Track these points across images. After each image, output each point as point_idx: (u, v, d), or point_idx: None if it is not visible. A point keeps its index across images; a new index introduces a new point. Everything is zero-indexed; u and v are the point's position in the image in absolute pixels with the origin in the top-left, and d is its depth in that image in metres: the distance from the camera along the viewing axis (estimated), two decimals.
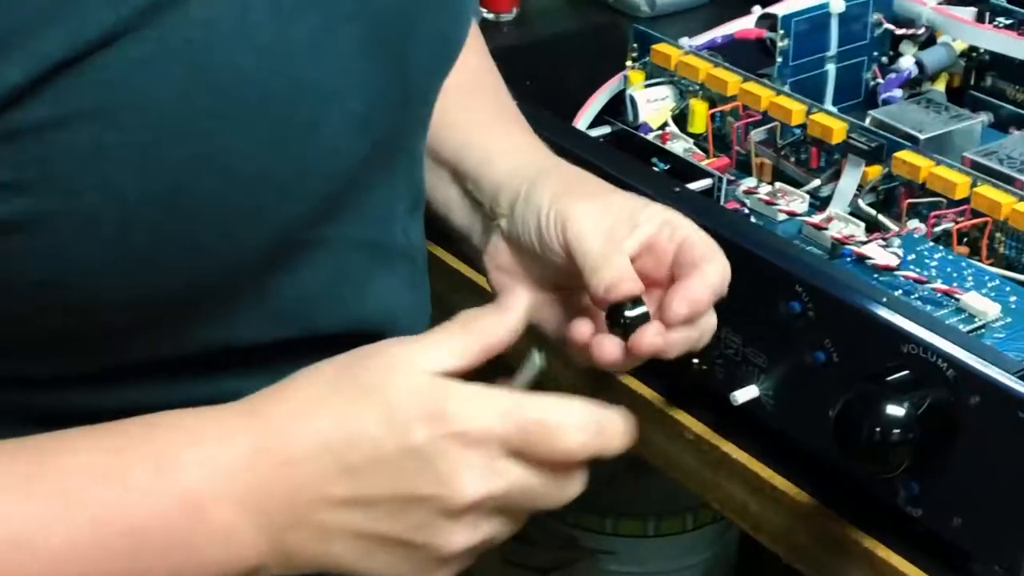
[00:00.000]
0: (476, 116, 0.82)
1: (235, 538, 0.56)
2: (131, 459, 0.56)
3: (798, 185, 0.97)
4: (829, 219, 0.91)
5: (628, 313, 0.70)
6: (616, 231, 0.72)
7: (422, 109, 0.70)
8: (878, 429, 0.72)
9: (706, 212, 0.85)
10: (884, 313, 0.76)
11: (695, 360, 0.86)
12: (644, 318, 0.70)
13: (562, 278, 0.76)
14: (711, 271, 0.71)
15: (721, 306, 0.73)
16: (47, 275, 0.55)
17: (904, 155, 0.91)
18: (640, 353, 0.70)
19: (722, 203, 0.90)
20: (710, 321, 0.73)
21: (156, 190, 0.55)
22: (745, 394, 0.83)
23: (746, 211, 0.90)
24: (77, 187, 0.53)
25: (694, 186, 0.90)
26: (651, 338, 0.69)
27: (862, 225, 0.91)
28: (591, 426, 0.60)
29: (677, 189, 0.88)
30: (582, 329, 0.72)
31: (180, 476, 0.56)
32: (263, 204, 0.59)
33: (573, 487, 0.61)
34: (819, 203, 0.96)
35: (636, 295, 0.70)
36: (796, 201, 0.94)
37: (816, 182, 0.96)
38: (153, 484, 0.56)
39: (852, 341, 0.78)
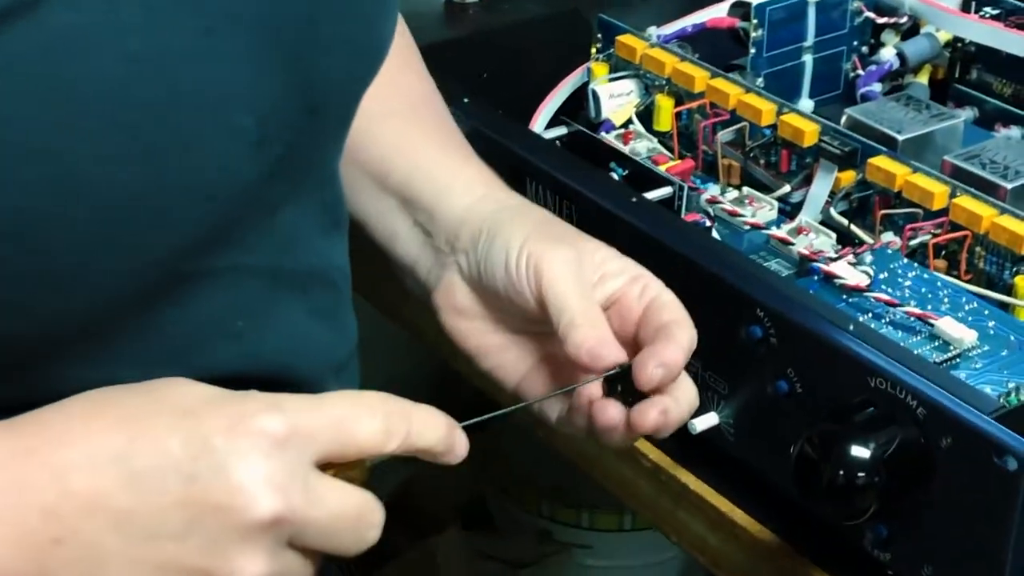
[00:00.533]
0: (426, 142, 0.77)
1: None
2: None
3: (767, 190, 0.91)
4: (799, 230, 0.85)
5: (625, 385, 0.66)
6: (588, 281, 0.68)
7: (335, 123, 0.64)
8: (841, 472, 0.66)
9: (664, 225, 0.79)
10: (850, 343, 0.70)
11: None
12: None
13: (526, 324, 0.72)
14: (683, 336, 0.67)
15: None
16: None
17: (879, 161, 0.86)
18: (642, 430, 0.66)
19: (683, 214, 0.84)
20: (689, 390, 0.68)
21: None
22: (704, 422, 0.78)
23: (707, 223, 0.84)
24: None
25: (653, 195, 0.84)
26: (656, 416, 0.66)
27: (833, 236, 0.86)
28: (393, 415, 0.54)
29: (634, 200, 0.82)
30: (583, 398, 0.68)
31: None
32: (132, 232, 0.53)
33: (372, 531, 0.54)
34: (789, 209, 0.90)
35: (623, 362, 0.66)
36: (764, 208, 0.88)
37: (786, 188, 0.90)
38: None
39: (816, 371, 0.72)
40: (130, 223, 0.52)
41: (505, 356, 0.73)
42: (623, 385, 0.66)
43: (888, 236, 0.84)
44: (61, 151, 0.49)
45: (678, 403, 0.67)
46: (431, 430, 0.55)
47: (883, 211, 0.85)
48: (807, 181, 0.90)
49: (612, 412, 0.66)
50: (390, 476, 1.63)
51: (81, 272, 0.53)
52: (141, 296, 0.56)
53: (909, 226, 0.83)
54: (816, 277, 0.79)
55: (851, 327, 0.71)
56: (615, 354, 0.66)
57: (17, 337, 0.53)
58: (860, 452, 0.66)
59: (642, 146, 0.95)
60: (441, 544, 1.63)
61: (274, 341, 0.63)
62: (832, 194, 0.88)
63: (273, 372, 0.62)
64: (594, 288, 0.69)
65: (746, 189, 0.90)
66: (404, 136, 0.76)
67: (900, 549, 0.69)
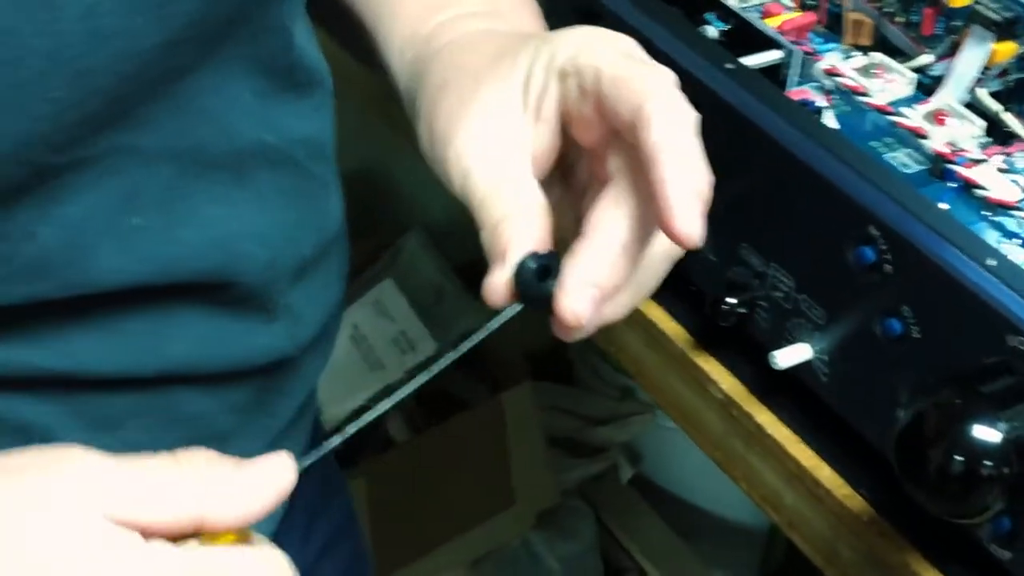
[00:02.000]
0: None
1: None
2: None
3: (904, 58, 0.73)
4: (937, 114, 0.68)
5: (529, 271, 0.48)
6: (507, 140, 0.50)
7: None
8: (958, 457, 0.51)
9: (761, 103, 0.63)
10: (987, 285, 0.54)
11: (729, 301, 0.65)
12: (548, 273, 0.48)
13: None
14: (619, 226, 0.48)
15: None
16: None
17: None
18: (565, 326, 0.47)
19: (790, 87, 0.67)
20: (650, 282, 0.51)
21: None
22: (792, 355, 0.62)
23: (820, 103, 0.67)
24: None
25: (755, 61, 0.67)
26: (572, 310, 0.47)
27: (980, 125, 0.68)
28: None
29: (730, 66, 0.65)
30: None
31: None
32: None
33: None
34: (929, 83, 0.73)
35: (537, 242, 0.49)
36: (897, 82, 0.71)
37: (927, 57, 0.72)
38: None
39: (940, 316, 0.56)
40: None
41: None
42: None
43: None
44: None
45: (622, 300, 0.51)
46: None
47: None
48: (954, 50, 0.72)
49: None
50: (459, 324, 1.50)
51: None
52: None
53: None
54: (952, 184, 0.62)
55: (990, 262, 0.55)
56: (530, 234, 0.48)
57: None
58: (987, 433, 0.51)
59: None
60: (511, 396, 1.50)
61: (191, 241, 0.48)
62: (984, 71, 0.70)
63: (192, 278, 0.48)
64: (524, 136, 0.51)
65: (876, 55, 0.73)
66: None
67: None
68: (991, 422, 0.51)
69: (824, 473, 0.62)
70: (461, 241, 1.43)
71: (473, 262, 1.55)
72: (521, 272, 0.48)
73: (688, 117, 0.48)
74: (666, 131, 0.46)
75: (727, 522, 1.60)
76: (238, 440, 0.56)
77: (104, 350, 0.49)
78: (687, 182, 0.46)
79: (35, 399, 0.48)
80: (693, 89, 0.64)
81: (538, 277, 0.48)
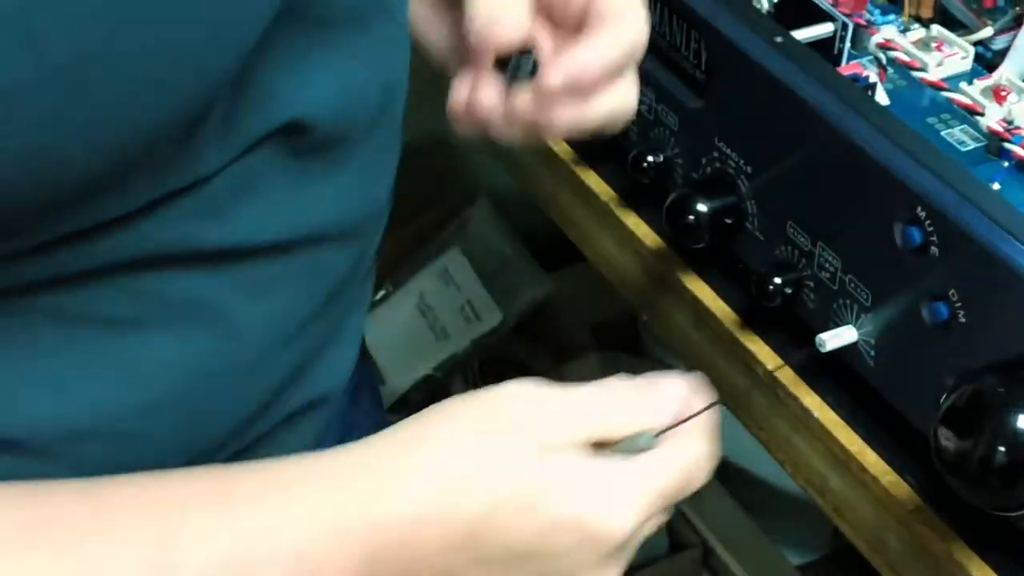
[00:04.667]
0: None
1: None
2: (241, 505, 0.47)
3: (964, 31, 0.71)
4: (996, 90, 0.66)
5: (513, 63, 0.56)
6: None
7: None
8: (1002, 449, 0.49)
9: (811, 79, 0.61)
10: None
11: (776, 281, 0.63)
12: (531, 69, 0.56)
13: None
14: (607, 36, 0.56)
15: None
16: None
17: None
18: (515, 112, 0.57)
19: (844, 62, 0.65)
20: (621, 95, 0.58)
21: (48, 77, 0.42)
22: (838, 337, 0.61)
23: (872, 78, 0.65)
24: None
25: (806, 34, 0.65)
26: (526, 101, 0.56)
27: None
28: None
29: (779, 39, 0.63)
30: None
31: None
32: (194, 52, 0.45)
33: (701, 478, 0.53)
34: (990, 57, 0.71)
35: (515, 43, 0.56)
36: (956, 56, 0.69)
37: (987, 30, 0.70)
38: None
39: (988, 301, 0.54)
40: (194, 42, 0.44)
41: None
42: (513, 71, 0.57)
43: None
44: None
45: (595, 107, 0.57)
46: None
47: None
48: (1017, 24, 0.70)
49: (487, 94, 0.57)
50: (524, 293, 1.49)
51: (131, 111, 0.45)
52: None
53: None
54: (1007, 163, 0.60)
55: None
56: (501, 31, 0.56)
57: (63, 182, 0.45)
58: None
59: None
60: (575, 366, 1.49)
61: (329, 93, 0.53)
62: None
63: (330, 132, 0.54)
64: None
65: (936, 28, 0.71)
66: None
67: None
68: None
69: (870, 458, 0.61)
70: (527, 210, 1.42)
71: (537, 231, 1.53)
72: (519, 65, 0.56)
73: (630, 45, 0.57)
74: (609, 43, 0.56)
75: (795, 498, 1.58)
76: (350, 290, 0.61)
77: (263, 220, 0.52)
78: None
79: (201, 273, 0.51)
80: (741, 62, 0.63)
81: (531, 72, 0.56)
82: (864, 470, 0.61)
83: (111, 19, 0.42)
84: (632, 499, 0.50)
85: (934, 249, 0.56)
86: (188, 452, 0.53)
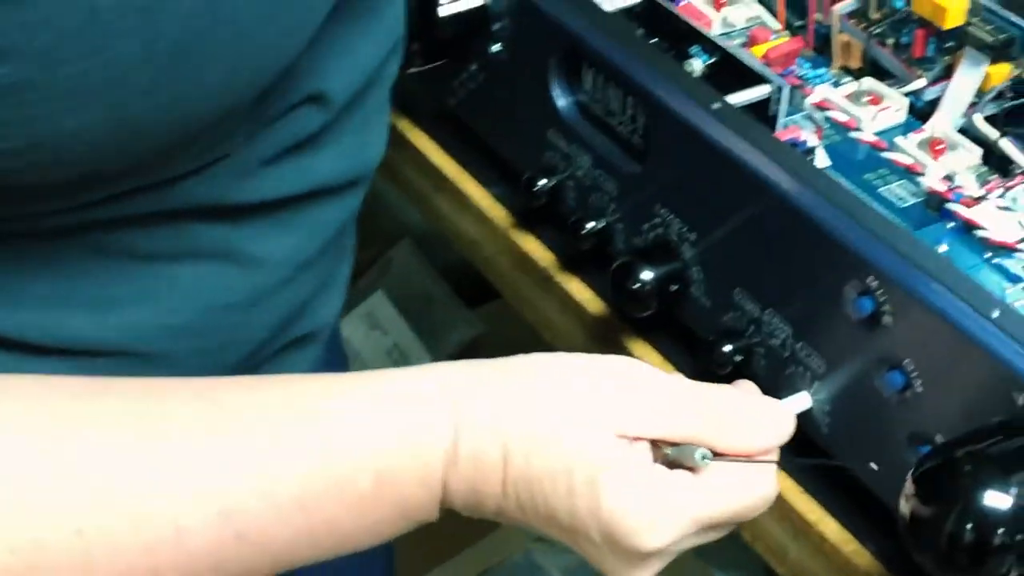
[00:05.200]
0: None
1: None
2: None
3: (896, 81, 0.71)
4: (932, 143, 0.66)
5: None
6: None
7: None
8: (969, 526, 0.49)
9: (750, 146, 0.60)
10: (991, 339, 0.52)
11: (725, 348, 0.63)
12: None
13: None
14: None
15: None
16: (28, 140, 0.48)
17: None
18: None
19: (780, 124, 0.64)
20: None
21: (157, 51, 0.47)
22: (793, 404, 0.60)
23: (811, 141, 0.64)
24: (67, 54, 0.46)
25: (742, 98, 0.65)
26: None
27: (977, 153, 0.66)
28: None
29: (717, 106, 0.63)
30: None
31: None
32: (268, 45, 0.51)
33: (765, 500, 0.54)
34: (922, 106, 0.71)
35: None
36: (890, 109, 0.69)
37: (920, 82, 0.70)
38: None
39: (944, 369, 0.54)
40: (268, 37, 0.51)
41: None
42: None
43: None
44: None
45: None
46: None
47: None
48: (948, 73, 0.70)
49: None
50: (451, 333, 1.48)
51: (222, 91, 0.51)
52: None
53: None
54: (950, 223, 0.60)
55: (994, 314, 0.52)
56: None
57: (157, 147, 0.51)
58: (998, 500, 0.48)
59: (739, 14, 0.76)
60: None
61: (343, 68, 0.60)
62: (979, 94, 0.68)
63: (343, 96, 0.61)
64: None
65: (867, 81, 0.71)
66: None
67: None
68: (1002, 487, 0.49)
69: (830, 527, 0.60)
70: (447, 247, 1.41)
71: (460, 267, 1.51)
72: None
73: None
74: None
75: None
76: (342, 237, 0.67)
77: (280, 179, 0.58)
78: None
79: (225, 221, 0.58)
80: (678, 128, 0.63)
81: None
82: (824, 539, 0.60)
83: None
84: (673, 520, 0.52)
85: (887, 318, 0.55)
86: (202, 374, 0.57)
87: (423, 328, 1.52)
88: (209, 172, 0.55)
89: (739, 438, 0.54)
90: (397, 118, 0.82)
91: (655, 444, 0.53)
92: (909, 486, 0.51)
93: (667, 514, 0.52)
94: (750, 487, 0.54)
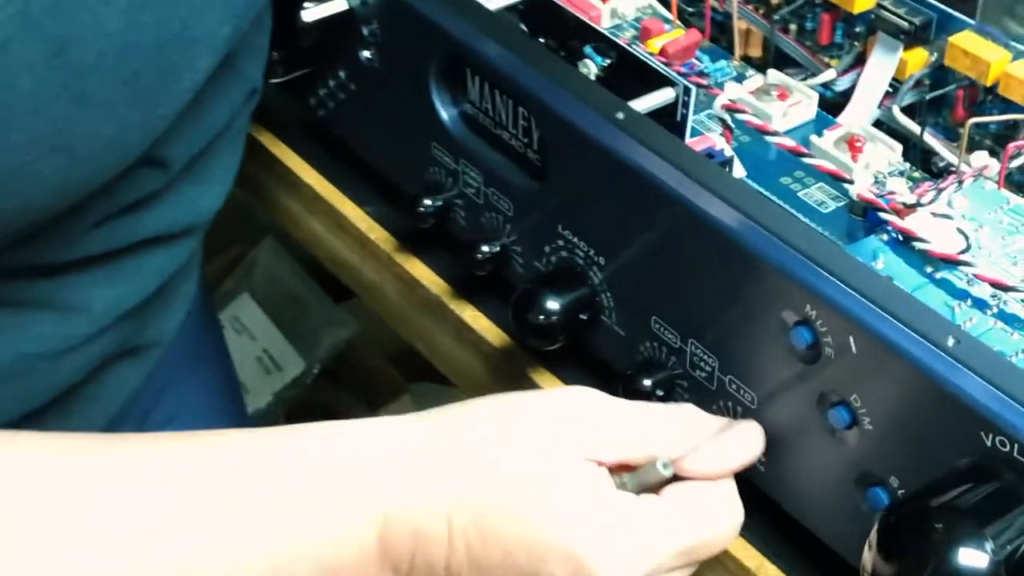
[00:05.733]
0: None
1: None
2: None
3: (799, 70, 0.66)
4: (851, 141, 0.61)
5: None
6: None
7: None
8: None
9: (661, 161, 0.54)
10: (949, 373, 0.47)
11: (644, 382, 0.57)
12: None
13: None
14: None
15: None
16: None
17: (963, 40, 0.60)
18: None
19: (687, 132, 0.58)
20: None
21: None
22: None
23: (727, 150, 0.59)
24: None
25: (645, 104, 0.58)
26: None
27: (897, 149, 0.61)
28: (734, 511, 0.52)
29: (620, 115, 0.56)
30: None
31: None
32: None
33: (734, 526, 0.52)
34: (832, 96, 0.66)
35: None
36: (800, 103, 0.64)
37: (829, 73, 0.65)
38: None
39: (896, 407, 0.49)
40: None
41: None
42: None
43: (980, 158, 0.59)
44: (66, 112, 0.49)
45: None
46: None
47: (971, 115, 0.60)
48: (859, 62, 0.65)
49: None
50: (326, 337, 1.41)
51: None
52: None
53: (1012, 144, 0.58)
54: (884, 237, 0.55)
55: (950, 342, 0.47)
56: None
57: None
58: (973, 559, 0.43)
59: (629, 5, 0.70)
60: (392, 411, 1.42)
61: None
62: (895, 82, 0.63)
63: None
64: None
65: (773, 74, 0.65)
66: None
67: None
68: (977, 544, 0.44)
69: (771, 574, 0.55)
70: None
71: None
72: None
73: None
74: None
75: None
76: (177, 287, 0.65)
77: (95, 236, 0.56)
78: None
79: (37, 280, 0.56)
80: (578, 141, 0.56)
81: None
82: None
83: (125, 29, 0.47)
84: (635, 550, 0.48)
85: (828, 350, 0.50)
86: (13, 412, 0.58)
87: (294, 331, 1.44)
88: (36, 238, 0.54)
89: (708, 454, 0.52)
90: (260, 132, 0.74)
91: (614, 473, 0.51)
92: (873, 540, 0.45)
93: (635, 540, 0.49)
94: (719, 509, 0.51)
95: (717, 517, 0.51)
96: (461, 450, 0.49)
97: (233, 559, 0.46)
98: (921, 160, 0.62)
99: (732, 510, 0.52)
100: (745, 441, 0.53)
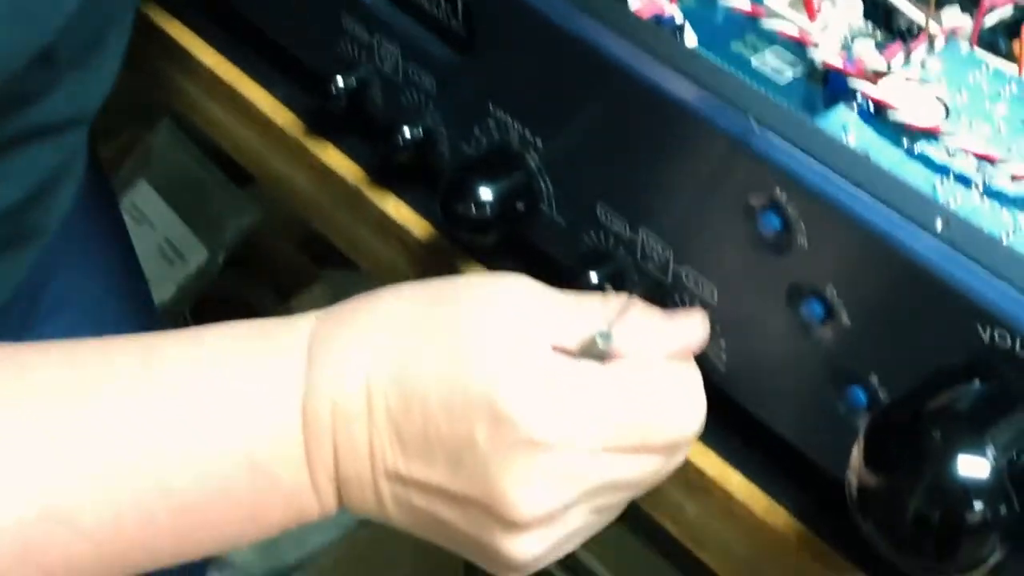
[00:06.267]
0: None
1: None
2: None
3: None
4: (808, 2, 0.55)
5: None
6: None
7: None
8: (941, 507, 0.39)
9: (605, 29, 0.48)
10: (940, 259, 0.42)
11: (591, 277, 0.51)
12: None
13: None
14: None
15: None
16: None
17: None
18: None
19: None
20: None
21: None
22: None
23: (677, 17, 0.52)
24: None
25: None
26: None
27: (858, 7, 0.56)
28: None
29: None
30: None
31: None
32: None
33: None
34: None
35: None
36: None
37: None
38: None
39: (878, 299, 0.44)
40: None
41: None
42: None
43: (952, 14, 0.53)
44: None
45: None
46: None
47: None
48: None
49: None
50: (229, 223, 1.34)
51: None
52: None
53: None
54: (854, 105, 0.49)
55: (939, 226, 0.42)
56: None
57: None
58: (974, 467, 0.39)
59: None
60: (304, 301, 1.36)
61: None
62: None
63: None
64: None
65: None
66: None
67: None
68: (977, 451, 0.39)
69: (736, 484, 0.50)
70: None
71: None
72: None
73: None
74: None
75: None
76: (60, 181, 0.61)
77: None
78: None
79: None
80: (520, 16, 0.50)
81: None
82: (731, 499, 0.50)
83: None
84: (572, 412, 0.44)
85: (800, 238, 0.44)
86: None
87: (196, 219, 1.37)
88: None
89: (660, 330, 0.48)
90: (152, 9, 0.66)
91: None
92: (858, 451, 0.41)
93: (572, 403, 0.44)
94: (674, 390, 0.46)
95: (671, 397, 0.46)
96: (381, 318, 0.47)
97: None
98: (884, 20, 0.57)
99: (690, 394, 0.47)
100: (689, 323, 0.49)
